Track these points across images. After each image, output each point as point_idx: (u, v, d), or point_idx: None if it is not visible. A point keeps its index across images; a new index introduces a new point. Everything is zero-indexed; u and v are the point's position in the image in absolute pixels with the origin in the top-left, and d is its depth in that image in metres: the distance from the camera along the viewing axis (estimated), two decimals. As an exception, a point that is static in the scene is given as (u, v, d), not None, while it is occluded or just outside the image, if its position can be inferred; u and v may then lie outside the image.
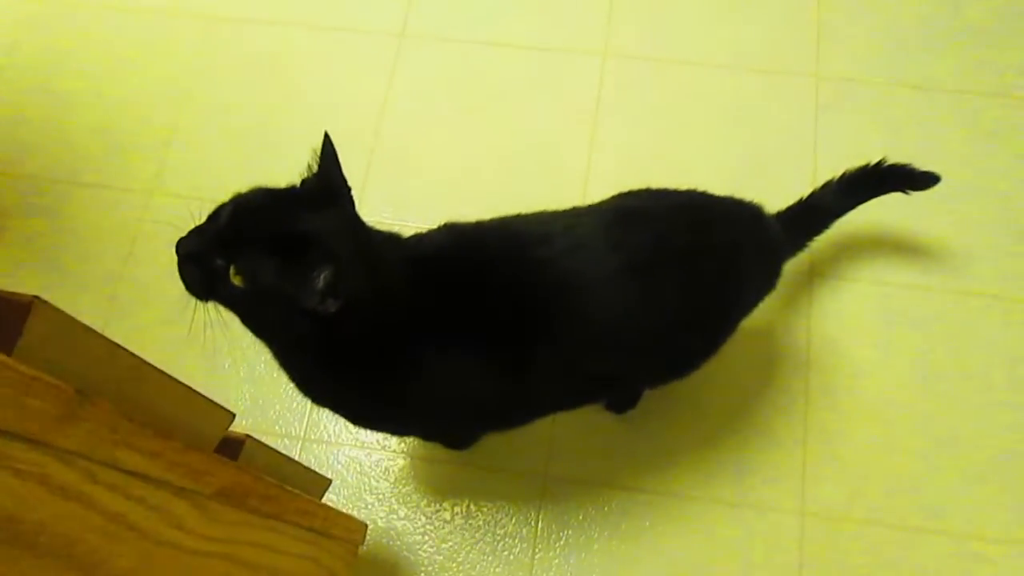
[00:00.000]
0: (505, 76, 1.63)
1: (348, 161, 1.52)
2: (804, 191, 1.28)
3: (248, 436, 0.79)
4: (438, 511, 1.31)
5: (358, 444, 1.36)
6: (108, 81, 1.66)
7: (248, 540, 0.78)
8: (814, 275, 1.43)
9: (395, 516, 1.31)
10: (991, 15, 1.61)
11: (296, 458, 1.18)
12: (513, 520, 1.29)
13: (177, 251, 0.84)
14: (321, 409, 1.35)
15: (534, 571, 1.26)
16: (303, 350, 0.93)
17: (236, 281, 0.82)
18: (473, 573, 1.27)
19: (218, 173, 1.56)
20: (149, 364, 0.59)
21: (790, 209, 1.26)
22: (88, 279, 1.48)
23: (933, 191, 1.28)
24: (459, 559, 1.28)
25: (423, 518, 1.31)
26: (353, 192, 0.93)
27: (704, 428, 1.34)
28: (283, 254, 0.82)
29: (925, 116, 1.54)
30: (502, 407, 1.07)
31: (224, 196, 0.88)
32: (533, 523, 1.29)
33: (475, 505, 1.31)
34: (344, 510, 1.22)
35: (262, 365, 1.40)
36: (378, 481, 1.33)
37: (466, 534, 1.29)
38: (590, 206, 1.10)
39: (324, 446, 1.36)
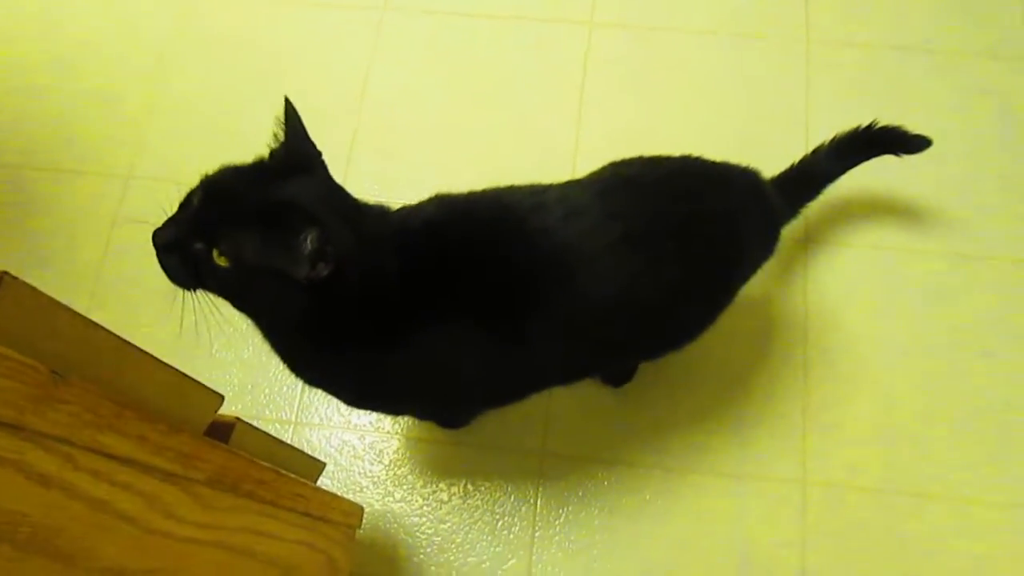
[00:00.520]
0: (490, 48, 1.59)
1: (332, 138, 1.49)
2: (797, 156, 1.26)
3: (238, 419, 0.76)
4: (435, 492, 1.29)
5: (351, 426, 1.33)
6: (78, 65, 1.61)
7: (242, 527, 0.76)
8: (809, 241, 1.41)
9: (391, 498, 1.29)
10: (981, -26, 1.59)
11: (288, 442, 1.16)
12: (512, 498, 1.27)
13: (154, 243, 0.81)
14: (312, 392, 1.33)
15: (535, 549, 1.24)
16: (296, 328, 0.91)
17: (221, 262, 0.80)
18: (473, 553, 1.25)
19: (197, 154, 1.51)
20: (131, 344, 0.56)
21: (782, 175, 1.24)
22: (69, 266, 1.44)
23: (926, 153, 1.26)
24: (458, 540, 1.25)
25: (420, 499, 1.28)
26: (339, 169, 0.90)
27: (702, 400, 1.32)
28: (263, 226, 0.79)
29: (916, 77, 1.52)
30: (498, 382, 1.04)
31: (205, 172, 0.85)
32: (532, 501, 1.27)
33: (472, 484, 1.28)
34: (339, 494, 1.19)
35: (249, 349, 1.36)
36: (372, 464, 1.31)
37: (464, 514, 1.27)
38: (582, 177, 1.07)
39: (316, 429, 1.33)
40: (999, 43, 1.53)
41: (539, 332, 0.96)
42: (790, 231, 1.31)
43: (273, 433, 0.89)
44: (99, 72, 1.60)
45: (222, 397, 0.70)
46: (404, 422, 1.33)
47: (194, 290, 0.84)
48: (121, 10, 1.65)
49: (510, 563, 1.24)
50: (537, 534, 1.25)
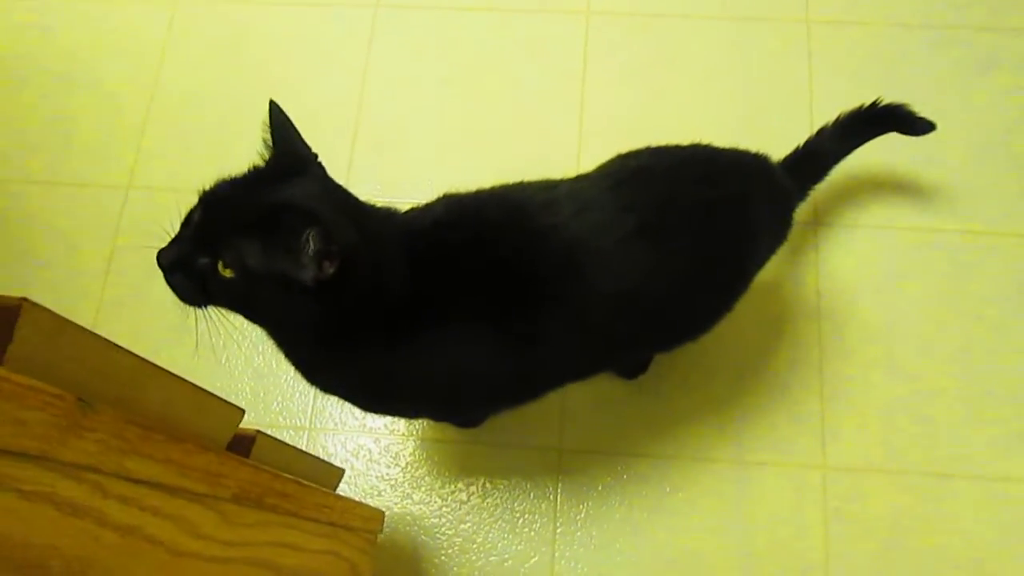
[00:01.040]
0: (487, 42, 1.57)
1: (332, 140, 1.48)
2: (802, 138, 1.25)
3: (259, 431, 0.75)
4: (453, 492, 1.28)
5: (366, 430, 1.32)
6: (74, 74, 1.59)
7: (267, 541, 0.75)
8: (819, 224, 1.39)
9: (410, 501, 1.28)
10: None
11: (304, 449, 1.14)
12: (531, 496, 1.26)
13: (159, 264, 0.80)
14: (325, 397, 1.31)
15: (556, 545, 1.23)
16: (307, 335, 0.89)
17: (227, 274, 0.79)
18: (495, 552, 1.24)
19: (196, 162, 1.50)
20: (151, 363, 0.55)
21: (789, 157, 1.23)
22: (72, 281, 1.43)
23: (933, 130, 1.25)
24: (479, 539, 1.25)
25: (439, 500, 1.27)
26: (341, 172, 0.88)
27: (718, 388, 1.31)
28: (263, 231, 0.78)
29: (918, 54, 1.50)
30: (515, 381, 1.03)
31: (203, 185, 0.84)
32: (552, 497, 1.26)
33: (491, 483, 1.28)
34: (358, 499, 1.18)
35: (259, 357, 1.35)
36: (390, 467, 1.30)
37: (484, 513, 1.26)
38: (591, 171, 1.05)
39: (331, 434, 1.32)
40: (999, 15, 1.51)
41: (554, 330, 0.95)
42: (799, 214, 1.28)
43: (288, 440, 0.88)
44: (95, 83, 1.58)
45: (243, 411, 0.69)
46: (419, 424, 1.32)
47: (204, 307, 0.83)
48: (115, 21, 1.63)
49: (532, 561, 1.23)
50: (559, 530, 1.24)
